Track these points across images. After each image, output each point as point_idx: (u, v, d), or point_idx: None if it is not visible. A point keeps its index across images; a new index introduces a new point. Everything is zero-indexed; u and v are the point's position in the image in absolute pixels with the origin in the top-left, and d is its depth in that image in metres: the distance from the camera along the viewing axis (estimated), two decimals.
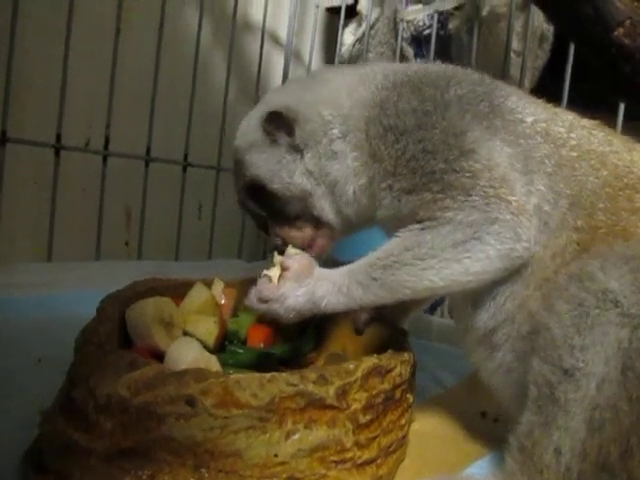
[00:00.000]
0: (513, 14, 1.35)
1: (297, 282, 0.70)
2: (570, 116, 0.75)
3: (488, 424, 0.90)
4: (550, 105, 0.77)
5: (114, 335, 0.70)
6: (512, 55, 1.37)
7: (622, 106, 1.18)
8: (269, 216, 0.87)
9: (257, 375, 0.55)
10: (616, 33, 0.91)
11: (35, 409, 0.64)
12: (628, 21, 0.90)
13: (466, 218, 0.65)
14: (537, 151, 0.70)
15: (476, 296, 0.71)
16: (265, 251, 1.95)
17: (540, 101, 0.77)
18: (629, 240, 0.63)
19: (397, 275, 0.67)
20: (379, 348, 0.79)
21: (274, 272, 0.73)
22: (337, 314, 0.93)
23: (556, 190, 0.68)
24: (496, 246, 0.65)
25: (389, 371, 0.66)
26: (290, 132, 0.81)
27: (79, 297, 1.21)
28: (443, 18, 1.43)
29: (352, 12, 1.80)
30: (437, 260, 0.65)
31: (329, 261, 1.72)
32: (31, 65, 1.41)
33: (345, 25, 1.81)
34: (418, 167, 0.69)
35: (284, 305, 0.69)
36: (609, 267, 0.59)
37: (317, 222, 0.84)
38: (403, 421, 0.69)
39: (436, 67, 0.81)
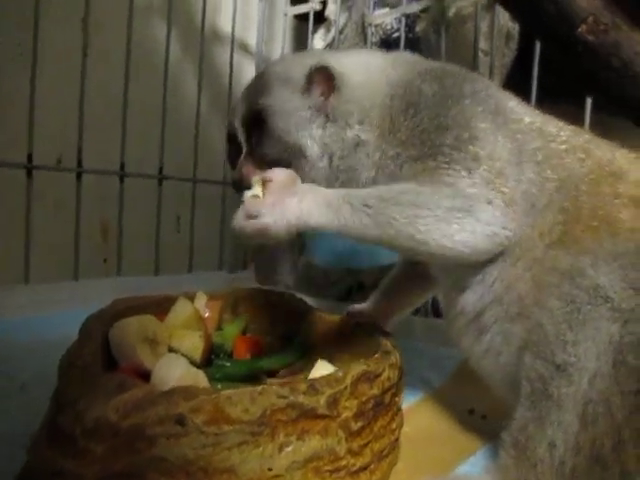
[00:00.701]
0: (479, 14, 1.37)
1: (283, 192, 0.70)
2: (560, 122, 0.79)
3: (477, 420, 0.91)
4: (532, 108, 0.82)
5: (98, 356, 0.69)
6: (480, 54, 1.39)
7: (589, 100, 1.21)
8: (248, 150, 0.86)
9: (248, 389, 0.55)
10: (580, 30, 0.93)
11: (21, 436, 0.63)
12: (591, 18, 0.92)
13: (466, 189, 0.68)
14: (530, 144, 0.73)
15: (464, 278, 0.73)
16: (246, 261, 1.95)
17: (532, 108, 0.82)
18: (612, 224, 0.65)
19: (389, 210, 0.68)
20: (366, 353, 0.79)
21: (257, 191, 0.72)
22: (324, 321, 0.95)
23: (544, 176, 0.71)
24: (485, 225, 0.67)
25: (377, 376, 0.66)
26: (326, 95, 0.82)
27: (59, 318, 1.19)
28: (410, 21, 1.45)
29: (320, 18, 1.81)
30: (430, 213, 0.67)
31: (307, 264, 1.72)
32: None
33: (314, 31, 1.82)
34: (429, 139, 0.72)
35: (274, 215, 0.68)
36: (599, 264, 0.61)
37: None
38: (394, 425, 0.69)
39: (452, 66, 0.85)
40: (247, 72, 1.99)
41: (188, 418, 0.52)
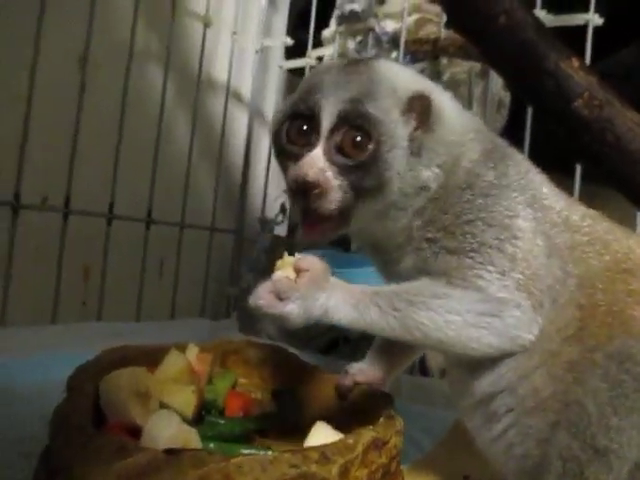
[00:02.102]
0: (473, 80, 1.43)
1: (315, 285, 0.68)
2: (582, 206, 0.80)
3: None
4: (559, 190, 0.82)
5: (90, 414, 0.65)
6: None
7: (579, 169, 1.25)
8: (327, 147, 0.70)
9: (258, 457, 0.53)
10: (576, 104, 0.97)
11: None
12: (586, 93, 0.97)
13: (496, 293, 0.68)
14: (558, 238, 0.73)
15: (476, 361, 0.71)
16: (229, 309, 1.91)
17: (552, 185, 0.81)
18: (627, 320, 0.66)
19: (418, 315, 0.67)
20: (363, 414, 0.77)
21: (288, 272, 0.70)
22: (319, 379, 0.93)
23: (567, 270, 0.71)
24: (512, 329, 0.68)
25: (385, 443, 0.64)
26: (421, 128, 0.74)
27: (36, 364, 1.14)
28: None
29: None
30: (459, 319, 0.67)
31: None
32: None
33: None
34: (471, 233, 0.71)
35: (301, 306, 0.66)
36: None
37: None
38: None
39: (498, 139, 0.82)
40: (239, 122, 2.02)
41: None
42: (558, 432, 0.63)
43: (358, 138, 0.70)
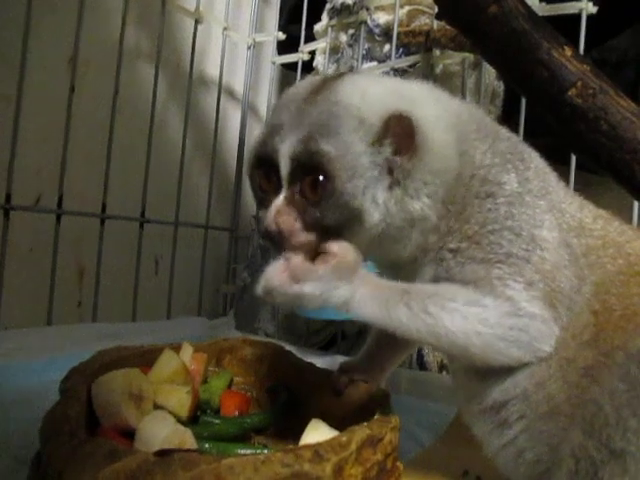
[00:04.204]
0: (466, 72, 1.41)
1: (340, 272, 0.64)
2: (591, 206, 0.78)
3: None
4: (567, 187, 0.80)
5: (83, 418, 0.64)
6: None
7: (574, 158, 1.24)
8: (289, 196, 0.68)
9: (250, 458, 0.52)
10: (569, 94, 0.95)
11: None
12: (580, 82, 0.95)
13: (526, 306, 0.66)
14: (576, 245, 0.72)
15: (488, 368, 0.69)
16: (226, 307, 1.90)
17: (562, 183, 0.79)
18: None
19: (450, 323, 0.65)
20: (360, 411, 0.76)
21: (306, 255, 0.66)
22: (314, 376, 0.92)
23: (582, 277, 0.70)
24: (535, 342, 0.66)
25: (380, 440, 0.63)
26: (400, 153, 0.68)
27: (31, 367, 1.14)
28: (399, 75, 1.48)
29: (308, 68, 1.84)
30: (490, 331, 0.65)
31: (287, 312, 1.69)
32: None
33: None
34: (498, 244, 0.68)
35: (318, 289, 0.63)
36: None
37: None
38: None
39: (514, 137, 0.79)
40: (233, 118, 2.01)
41: None
42: (572, 431, 0.62)
43: (314, 177, 0.66)
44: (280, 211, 0.67)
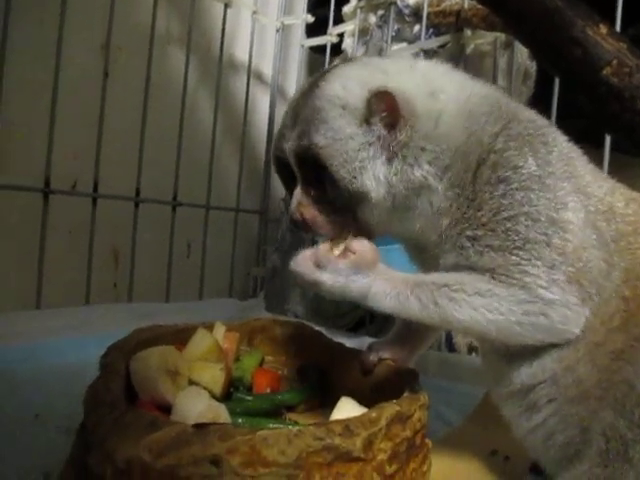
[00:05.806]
0: (498, 52, 1.39)
1: (358, 267, 0.69)
2: (624, 190, 0.76)
3: (499, 462, 0.89)
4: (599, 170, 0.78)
5: (122, 391, 0.67)
6: None
7: (608, 139, 1.21)
8: (304, 185, 0.75)
9: (284, 430, 0.54)
10: (604, 72, 0.94)
11: (38, 468, 0.61)
12: (615, 61, 0.93)
13: (543, 291, 0.65)
14: (605, 230, 0.70)
15: (516, 350, 0.70)
16: (256, 289, 1.94)
17: (593, 166, 0.77)
18: None
19: (459, 312, 0.67)
20: (388, 390, 0.78)
21: (338, 247, 0.71)
22: (344, 355, 0.94)
23: (611, 263, 0.69)
24: (558, 326, 0.66)
25: (409, 417, 0.64)
26: (391, 126, 0.70)
27: (71, 344, 1.18)
28: (428, 57, 1.47)
29: (337, 50, 1.83)
30: (503, 318, 0.66)
31: (317, 294, 1.71)
32: (18, 110, 1.40)
33: (330, 63, 1.84)
34: (514, 230, 0.67)
35: (335, 280, 0.68)
36: None
37: (354, 220, 0.74)
38: (425, 467, 0.67)
39: (539, 120, 0.76)
40: (262, 101, 2.02)
41: (224, 459, 0.51)
42: (603, 410, 0.62)
43: (314, 169, 0.72)
44: (300, 202, 0.75)
